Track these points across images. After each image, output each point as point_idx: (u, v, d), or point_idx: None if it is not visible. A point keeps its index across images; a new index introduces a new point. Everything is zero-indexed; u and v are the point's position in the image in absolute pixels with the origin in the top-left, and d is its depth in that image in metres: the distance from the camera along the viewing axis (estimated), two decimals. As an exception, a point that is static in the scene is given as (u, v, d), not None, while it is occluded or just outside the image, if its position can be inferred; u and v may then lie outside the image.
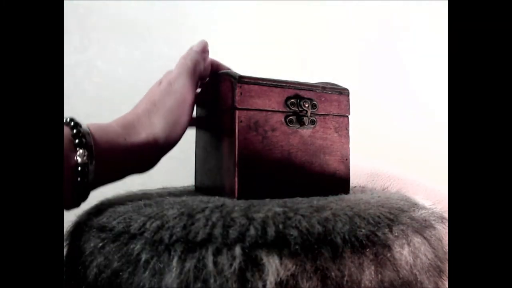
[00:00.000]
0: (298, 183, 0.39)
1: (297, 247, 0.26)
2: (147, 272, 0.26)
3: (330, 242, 0.27)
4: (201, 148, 0.45)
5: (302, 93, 0.40)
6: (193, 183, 0.48)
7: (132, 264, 0.27)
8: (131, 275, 0.27)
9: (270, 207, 0.29)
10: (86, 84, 0.75)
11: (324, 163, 0.41)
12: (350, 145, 0.43)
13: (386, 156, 0.94)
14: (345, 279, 0.26)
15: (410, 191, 0.58)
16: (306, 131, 0.40)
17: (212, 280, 0.24)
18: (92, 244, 0.30)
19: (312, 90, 0.41)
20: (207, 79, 0.44)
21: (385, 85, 1.06)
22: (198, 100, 0.43)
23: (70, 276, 0.31)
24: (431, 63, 1.08)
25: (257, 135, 0.37)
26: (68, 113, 0.34)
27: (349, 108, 0.43)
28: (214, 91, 0.41)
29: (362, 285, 0.27)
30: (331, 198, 0.36)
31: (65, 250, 0.34)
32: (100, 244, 0.29)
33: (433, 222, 0.35)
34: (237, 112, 0.36)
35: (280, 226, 0.27)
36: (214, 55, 0.44)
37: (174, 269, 0.25)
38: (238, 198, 0.35)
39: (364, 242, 0.28)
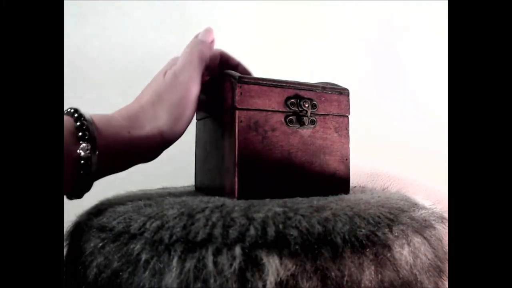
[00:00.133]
0: (298, 183, 0.39)
1: (297, 247, 0.26)
2: (147, 272, 0.26)
3: (330, 242, 0.27)
4: (201, 148, 0.45)
5: (302, 93, 0.40)
6: (193, 183, 0.48)
7: (132, 264, 0.27)
8: (131, 275, 0.27)
9: (270, 207, 0.29)
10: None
11: (324, 163, 0.41)
12: (350, 145, 0.43)
13: (386, 156, 0.94)
14: (345, 279, 0.26)
15: (410, 191, 0.58)
16: (306, 131, 0.40)
17: (212, 280, 0.24)
18: (92, 244, 0.30)
19: (312, 90, 0.41)
20: (212, 76, 0.43)
21: (385, 85, 1.06)
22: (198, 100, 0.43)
23: (70, 276, 0.31)
24: (431, 63, 1.08)
25: (257, 135, 0.37)
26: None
27: (349, 108, 0.43)
28: (214, 91, 0.41)
29: (362, 285, 0.27)
30: (331, 198, 0.36)
31: (65, 250, 0.34)
32: (100, 244, 0.29)
33: (433, 222, 0.35)
34: (237, 112, 0.36)
35: (280, 226, 0.27)
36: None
37: (174, 269, 0.25)
38: (238, 198, 0.35)
39: (364, 242, 0.28)
